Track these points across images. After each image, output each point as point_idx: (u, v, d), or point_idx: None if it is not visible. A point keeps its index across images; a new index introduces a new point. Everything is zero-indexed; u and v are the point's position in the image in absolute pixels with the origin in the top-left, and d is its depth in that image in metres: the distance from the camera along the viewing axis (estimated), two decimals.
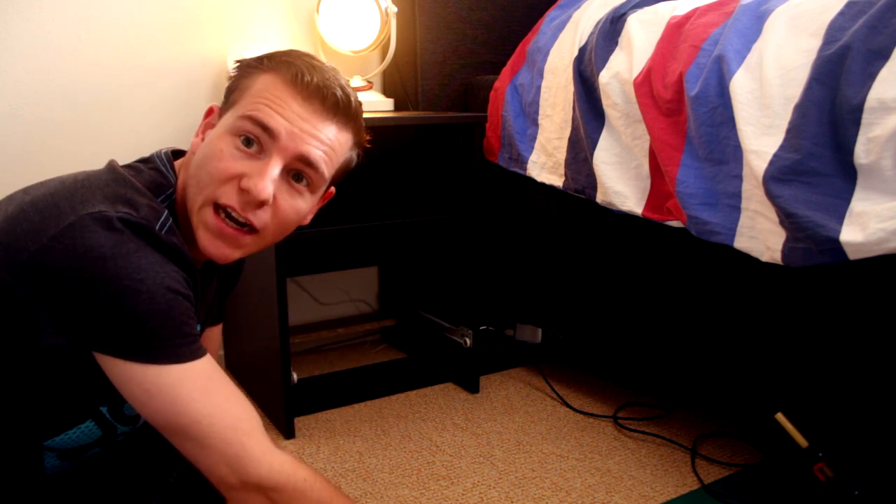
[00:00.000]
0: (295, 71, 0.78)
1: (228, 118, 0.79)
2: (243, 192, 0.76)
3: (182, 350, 0.73)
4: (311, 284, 1.95)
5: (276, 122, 0.76)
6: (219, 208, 0.77)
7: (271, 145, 0.76)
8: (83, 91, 1.57)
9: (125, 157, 0.86)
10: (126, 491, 0.98)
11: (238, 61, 0.84)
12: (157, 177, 0.81)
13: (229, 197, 0.76)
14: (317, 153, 0.78)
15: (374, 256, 1.97)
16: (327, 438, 1.45)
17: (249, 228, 0.78)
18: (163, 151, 0.85)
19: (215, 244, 0.78)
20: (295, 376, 1.46)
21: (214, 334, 1.09)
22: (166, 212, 0.76)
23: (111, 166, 0.80)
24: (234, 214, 0.76)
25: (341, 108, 0.79)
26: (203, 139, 0.82)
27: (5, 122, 1.50)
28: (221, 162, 0.76)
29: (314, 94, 0.78)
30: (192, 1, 1.65)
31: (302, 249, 1.81)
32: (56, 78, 1.53)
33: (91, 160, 1.54)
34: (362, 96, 1.72)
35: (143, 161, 0.84)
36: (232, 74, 0.83)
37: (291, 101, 0.77)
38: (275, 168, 0.76)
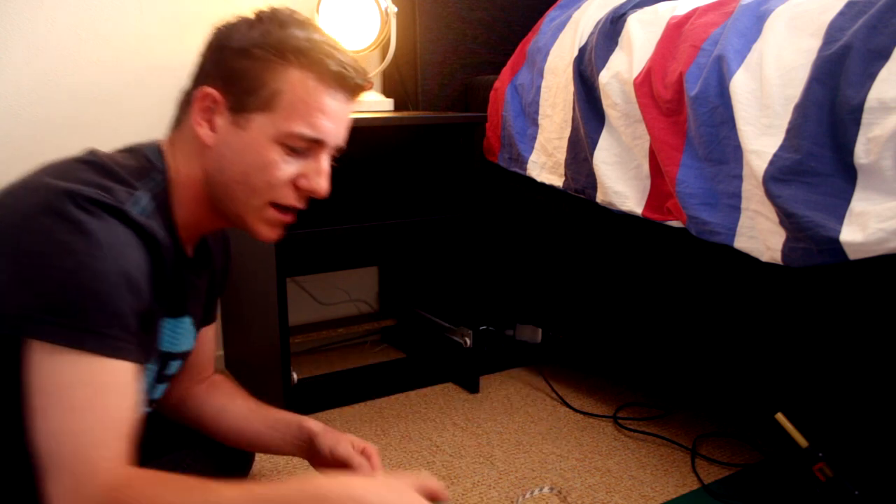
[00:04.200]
0: (324, 67, 0.81)
1: (266, 124, 0.80)
2: (300, 189, 0.84)
3: (106, 342, 0.69)
4: (311, 284, 1.95)
5: (325, 132, 0.82)
6: (278, 205, 0.85)
7: (318, 146, 0.83)
8: (84, 90, 1.57)
9: None
10: None
11: (240, 40, 0.80)
12: (142, 162, 0.81)
13: (288, 198, 0.84)
14: (347, 136, 0.87)
15: (374, 256, 1.97)
16: None
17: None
18: (155, 143, 0.86)
19: (276, 232, 0.87)
20: (295, 376, 1.46)
21: (207, 337, 1.08)
22: (142, 193, 0.77)
23: (91, 151, 0.81)
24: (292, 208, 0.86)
25: (360, 89, 0.86)
26: (213, 130, 0.81)
27: (5, 122, 1.50)
28: (277, 171, 0.81)
29: (342, 86, 0.83)
30: (192, 0, 1.65)
31: (302, 249, 1.81)
32: (56, 78, 1.54)
33: None
34: (362, 96, 1.72)
35: (129, 150, 0.85)
36: (242, 55, 0.80)
37: (328, 100, 0.82)
38: (327, 164, 0.85)
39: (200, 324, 1.02)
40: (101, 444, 0.70)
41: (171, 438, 1.08)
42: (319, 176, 0.84)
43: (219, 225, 0.90)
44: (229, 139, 0.81)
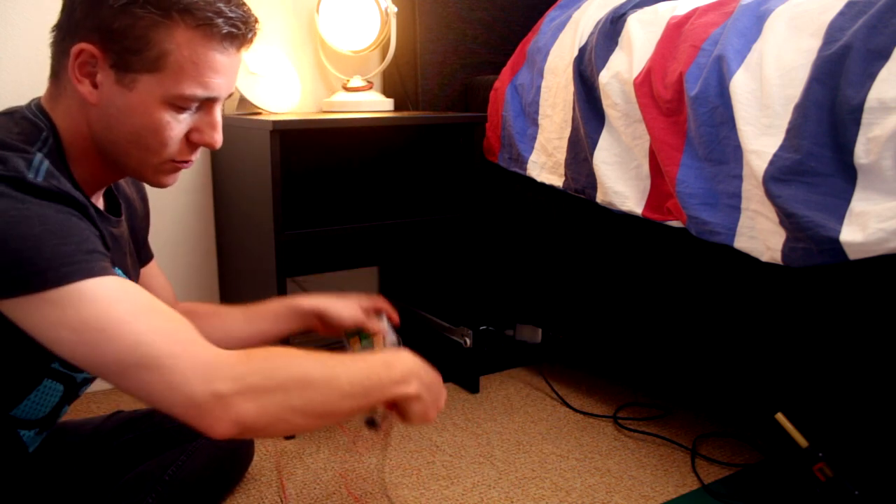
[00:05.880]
0: (213, 26, 0.76)
1: (154, 85, 0.76)
2: (193, 143, 0.82)
3: (91, 265, 0.69)
4: (311, 284, 1.95)
5: (217, 88, 0.80)
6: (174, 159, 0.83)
7: (209, 101, 0.81)
8: None
9: None
10: (123, 489, 0.99)
11: None
12: (25, 125, 0.79)
13: (184, 153, 0.83)
14: (235, 83, 0.84)
15: (374, 256, 1.97)
16: (327, 438, 1.45)
17: None
18: (33, 102, 0.83)
19: (174, 179, 0.86)
20: None
21: (153, 273, 1.07)
22: (39, 156, 0.74)
23: None
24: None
25: (251, 40, 0.83)
26: (95, 87, 0.77)
27: None
28: (169, 131, 0.79)
29: (232, 41, 0.79)
30: None
31: (302, 249, 1.81)
32: None
33: None
34: (362, 96, 1.72)
35: (7, 113, 0.82)
36: (121, 12, 0.74)
37: (218, 56, 0.78)
38: (219, 116, 0.83)
39: (134, 268, 0.99)
40: (180, 330, 0.70)
41: (164, 438, 1.08)
42: (213, 129, 0.82)
43: (117, 177, 0.88)
44: (114, 99, 0.77)
